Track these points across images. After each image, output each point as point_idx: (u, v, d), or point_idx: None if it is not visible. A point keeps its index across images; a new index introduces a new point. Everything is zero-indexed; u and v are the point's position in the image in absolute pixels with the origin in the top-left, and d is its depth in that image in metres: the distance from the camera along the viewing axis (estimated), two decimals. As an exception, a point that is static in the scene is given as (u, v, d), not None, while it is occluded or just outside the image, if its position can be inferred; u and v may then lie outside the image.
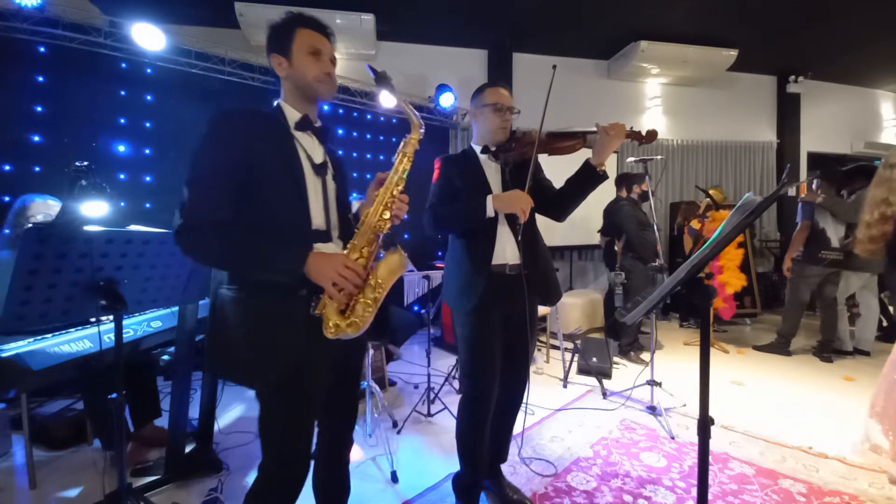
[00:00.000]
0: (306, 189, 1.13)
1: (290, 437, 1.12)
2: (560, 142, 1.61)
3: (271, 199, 1.09)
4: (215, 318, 1.16)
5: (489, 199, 1.55)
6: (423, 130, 1.23)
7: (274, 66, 1.18)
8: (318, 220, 1.16)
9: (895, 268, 2.35)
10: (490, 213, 1.55)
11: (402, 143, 1.21)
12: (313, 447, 1.30)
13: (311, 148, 1.19)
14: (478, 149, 1.69)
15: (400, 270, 1.16)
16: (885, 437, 1.98)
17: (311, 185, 1.15)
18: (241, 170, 1.05)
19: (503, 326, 1.64)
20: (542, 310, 3.65)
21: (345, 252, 1.11)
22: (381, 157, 4.74)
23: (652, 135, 1.61)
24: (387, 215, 1.14)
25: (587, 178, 1.58)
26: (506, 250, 1.62)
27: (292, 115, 1.18)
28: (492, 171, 1.68)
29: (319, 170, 1.18)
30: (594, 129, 1.56)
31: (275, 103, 1.20)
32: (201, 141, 1.06)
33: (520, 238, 1.59)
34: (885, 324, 4.37)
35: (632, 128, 1.59)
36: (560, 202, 1.68)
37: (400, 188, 1.17)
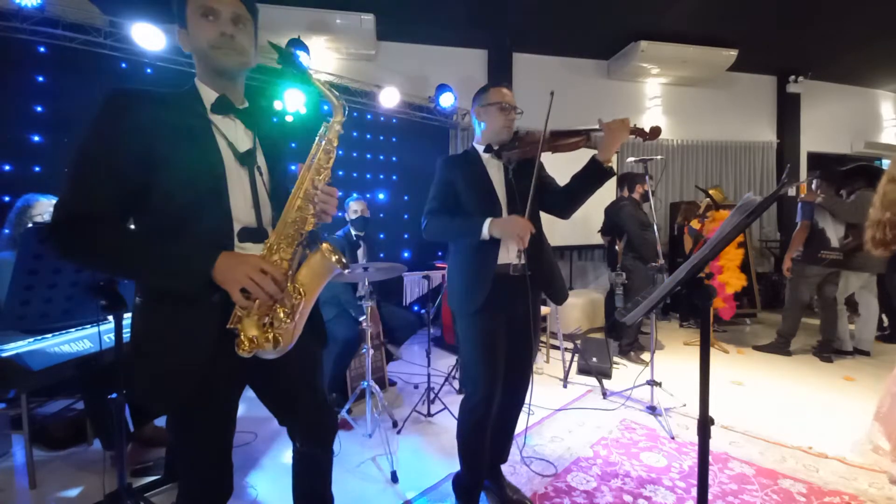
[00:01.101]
0: (226, 181, 0.97)
1: (203, 465, 1.03)
2: (563, 139, 1.61)
3: (181, 194, 0.93)
4: (130, 333, 1.00)
5: (486, 224, 1.53)
6: (346, 112, 1.06)
7: (180, 43, 1.02)
8: (245, 216, 1.01)
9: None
10: (485, 236, 1.53)
11: (322, 128, 1.05)
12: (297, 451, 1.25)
13: (233, 134, 1.02)
14: (480, 148, 1.69)
15: (325, 273, 1.02)
16: (888, 439, 1.98)
17: (233, 176, 0.99)
18: (140, 160, 0.89)
19: (506, 328, 1.64)
20: (543, 310, 3.65)
21: (262, 254, 0.97)
22: (381, 157, 4.74)
23: (655, 131, 1.60)
24: (309, 209, 1.00)
25: (594, 174, 1.57)
26: (510, 250, 1.61)
27: (208, 95, 1.01)
28: (494, 170, 1.67)
29: (245, 158, 1.01)
30: (597, 127, 1.56)
31: (189, 83, 1.04)
32: (90, 124, 0.90)
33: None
34: (885, 323, 4.37)
35: (635, 125, 1.59)
36: (566, 199, 1.67)
37: (322, 177, 1.02)
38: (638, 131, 1.58)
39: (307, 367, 1.17)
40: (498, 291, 1.58)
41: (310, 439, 1.21)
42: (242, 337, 0.92)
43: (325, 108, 4.33)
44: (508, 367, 1.67)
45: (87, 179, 0.88)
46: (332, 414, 1.27)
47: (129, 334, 1.01)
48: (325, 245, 1.01)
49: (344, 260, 1.02)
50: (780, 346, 3.83)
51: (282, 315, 0.95)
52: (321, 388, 1.23)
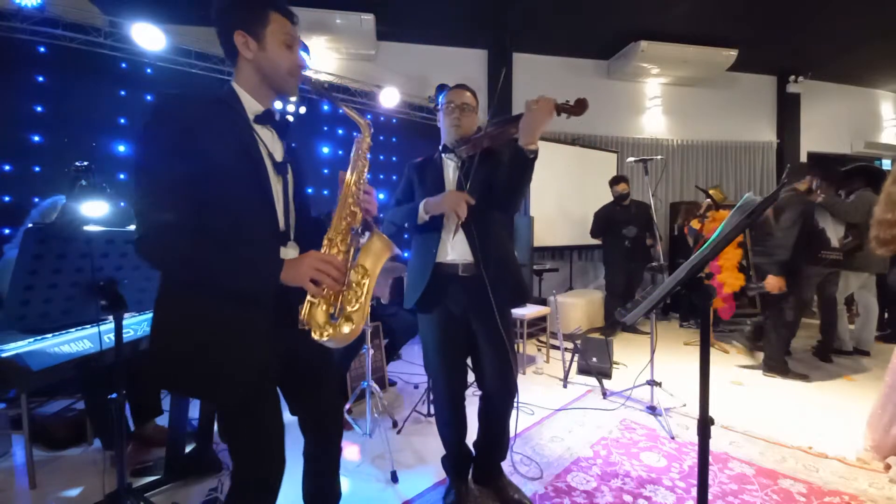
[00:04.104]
0: (271, 189, 1.05)
1: (268, 446, 1.08)
2: (498, 128, 1.53)
3: (234, 199, 0.99)
4: (165, 327, 1.01)
5: (421, 203, 1.55)
6: (371, 130, 1.18)
7: (238, 45, 1.03)
8: (280, 222, 1.10)
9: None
10: (423, 217, 1.54)
11: (355, 144, 1.17)
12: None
13: (271, 143, 1.10)
14: (441, 149, 1.72)
15: (385, 252, 1.15)
16: (871, 433, 2.01)
17: (273, 184, 1.07)
18: (194, 166, 0.93)
19: (464, 328, 1.64)
20: (543, 310, 3.65)
21: (322, 250, 1.07)
22: (381, 157, 4.75)
23: (581, 103, 1.41)
24: (355, 208, 1.11)
25: (516, 162, 1.44)
26: (449, 248, 1.59)
27: (251, 105, 1.07)
28: (450, 171, 1.68)
29: (280, 168, 1.09)
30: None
31: (226, 87, 1.07)
32: (148, 132, 0.94)
33: (475, 236, 1.54)
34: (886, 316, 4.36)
35: (567, 101, 1.43)
36: (502, 192, 1.55)
37: (362, 181, 1.14)
38: (564, 108, 1.43)
39: (327, 363, 1.26)
40: (442, 290, 1.58)
41: (321, 434, 1.26)
42: (317, 326, 1.00)
43: (326, 107, 4.33)
44: (483, 368, 1.70)
45: (165, 191, 0.92)
46: (341, 412, 1.37)
47: (162, 330, 1.02)
48: (377, 230, 1.14)
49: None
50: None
51: (355, 298, 1.05)
52: (336, 386, 1.32)
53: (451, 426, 1.75)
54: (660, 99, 5.97)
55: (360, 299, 1.06)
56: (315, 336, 1.00)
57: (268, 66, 1.05)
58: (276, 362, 1.06)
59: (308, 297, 1.00)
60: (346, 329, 1.02)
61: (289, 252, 1.11)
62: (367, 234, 1.14)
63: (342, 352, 2.58)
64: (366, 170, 1.16)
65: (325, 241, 1.07)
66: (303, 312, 1.00)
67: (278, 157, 1.10)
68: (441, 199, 1.50)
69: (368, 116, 4.58)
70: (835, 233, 3.55)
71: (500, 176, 1.54)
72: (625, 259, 4.32)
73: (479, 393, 1.78)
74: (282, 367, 1.11)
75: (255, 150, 1.03)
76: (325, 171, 4.32)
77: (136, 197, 0.93)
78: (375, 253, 1.12)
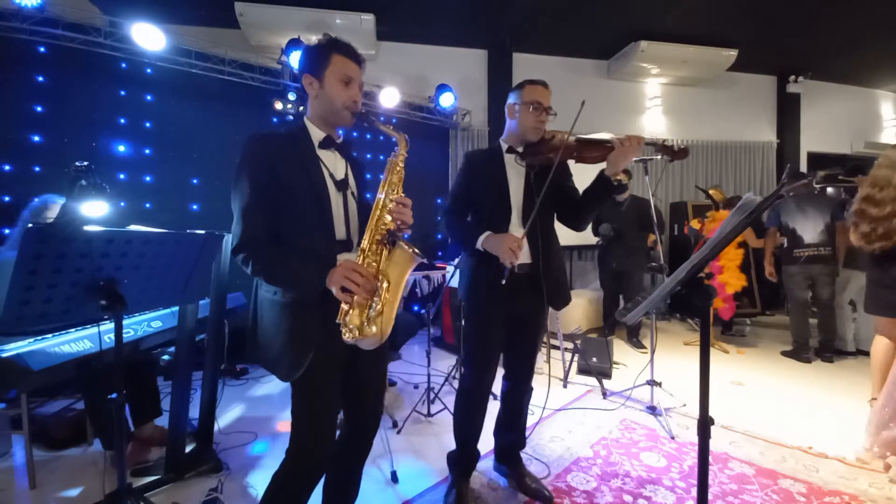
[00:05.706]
0: (331, 205, 1.23)
1: (314, 423, 1.22)
2: (588, 150, 1.59)
3: (298, 215, 1.19)
4: (254, 315, 1.28)
5: (480, 238, 1.60)
6: (408, 143, 1.28)
7: (305, 86, 1.26)
8: (340, 232, 1.25)
9: (877, 265, 2.35)
10: (479, 247, 1.61)
11: (392, 155, 1.28)
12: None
13: (333, 165, 1.28)
14: (505, 147, 1.70)
15: (409, 265, 1.21)
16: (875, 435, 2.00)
17: (333, 200, 1.24)
18: (272, 190, 1.16)
19: (508, 324, 1.69)
20: (542, 310, 3.65)
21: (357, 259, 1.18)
22: (382, 157, 4.74)
23: (684, 152, 1.60)
24: (388, 218, 1.20)
25: (602, 189, 1.58)
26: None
27: (316, 134, 1.27)
28: (514, 174, 1.67)
29: (341, 185, 1.27)
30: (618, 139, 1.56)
31: (300, 121, 1.30)
32: (238, 167, 1.17)
33: (539, 242, 1.63)
34: None
35: (664, 142, 1.60)
36: (577, 213, 1.70)
37: (395, 193, 1.23)
38: (666, 150, 1.59)
39: (381, 365, 1.41)
40: (502, 287, 1.59)
41: (360, 427, 1.39)
42: (347, 327, 1.13)
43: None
44: (513, 359, 1.77)
45: (247, 216, 1.15)
46: (381, 413, 1.46)
47: (252, 317, 1.29)
48: (401, 242, 1.21)
49: (417, 251, 1.21)
50: (800, 351, 3.73)
51: (376, 307, 1.15)
52: (383, 391, 1.44)
53: (469, 424, 1.77)
54: (660, 99, 5.97)
55: (384, 305, 1.15)
56: (344, 336, 1.13)
57: (325, 101, 1.24)
58: (338, 358, 1.22)
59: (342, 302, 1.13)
60: (371, 330, 1.13)
61: (348, 258, 1.23)
62: (394, 243, 1.22)
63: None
64: (401, 182, 1.27)
65: (360, 252, 1.19)
66: (340, 314, 1.14)
67: (339, 175, 1.28)
68: (497, 246, 1.55)
69: (368, 116, 4.61)
70: (806, 230, 3.59)
71: (571, 193, 1.71)
72: (608, 258, 4.18)
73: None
74: (345, 367, 1.27)
75: (317, 172, 1.23)
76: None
77: (235, 219, 1.16)
78: (398, 263, 1.20)
